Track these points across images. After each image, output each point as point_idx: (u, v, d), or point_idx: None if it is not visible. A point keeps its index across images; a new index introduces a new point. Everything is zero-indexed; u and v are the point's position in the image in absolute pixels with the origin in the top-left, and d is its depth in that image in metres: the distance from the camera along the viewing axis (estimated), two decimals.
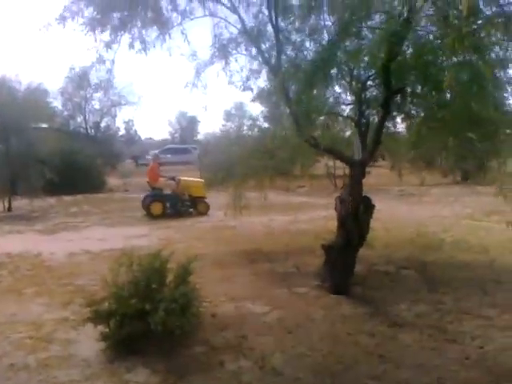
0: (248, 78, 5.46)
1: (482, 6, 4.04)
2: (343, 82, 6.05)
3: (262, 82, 5.43)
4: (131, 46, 5.30)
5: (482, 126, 6.39)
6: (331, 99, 6.53)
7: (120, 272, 4.61)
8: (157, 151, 14.31)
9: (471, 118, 6.29)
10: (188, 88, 5.54)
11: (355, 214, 5.54)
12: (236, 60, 5.51)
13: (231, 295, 5.97)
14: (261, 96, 5.50)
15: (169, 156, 31.55)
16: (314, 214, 12.57)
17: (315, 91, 5.38)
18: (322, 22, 5.00)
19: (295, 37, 5.11)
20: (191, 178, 14.64)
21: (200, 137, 48.34)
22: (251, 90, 5.51)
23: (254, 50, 5.31)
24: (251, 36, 5.25)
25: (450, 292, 5.96)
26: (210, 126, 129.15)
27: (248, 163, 7.85)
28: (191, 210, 13.41)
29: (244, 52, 5.36)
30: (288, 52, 5.33)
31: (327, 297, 5.83)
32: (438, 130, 6.10)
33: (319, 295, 5.90)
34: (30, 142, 14.82)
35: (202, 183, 13.98)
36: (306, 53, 5.12)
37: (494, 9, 4.13)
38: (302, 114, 5.16)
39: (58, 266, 7.69)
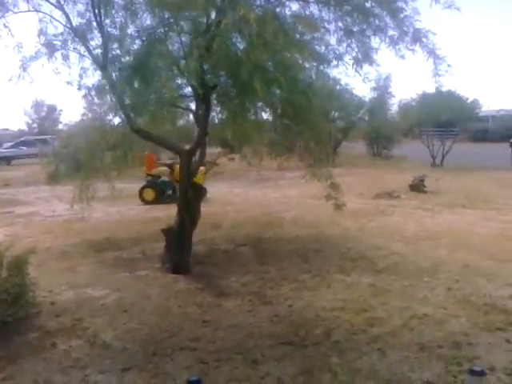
0: (81, 76, 5.61)
1: None
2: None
3: (95, 77, 5.57)
4: None
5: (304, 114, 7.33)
6: (171, 92, 6.94)
7: None
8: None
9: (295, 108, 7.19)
10: (13, 80, 5.52)
11: (185, 199, 6.02)
12: (68, 57, 5.61)
13: (73, 284, 6.13)
14: (95, 90, 5.65)
15: (24, 148, 29.49)
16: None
17: (144, 84, 5.67)
18: (145, 20, 5.34)
19: (120, 34, 5.36)
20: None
21: (62, 127, 45.51)
22: (86, 88, 5.66)
23: (81, 48, 5.46)
24: (77, 33, 5.41)
25: (276, 263, 6.77)
26: (75, 115, 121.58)
27: (93, 154, 7.92)
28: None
29: (71, 49, 5.48)
30: (115, 48, 5.56)
31: (166, 277, 6.28)
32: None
33: (159, 276, 6.33)
34: None
35: (201, 171, 13.61)
36: (130, 49, 5.40)
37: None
38: (130, 107, 5.47)
39: None
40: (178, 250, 6.34)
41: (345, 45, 5.32)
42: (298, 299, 5.41)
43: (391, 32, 5.10)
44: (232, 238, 8.30)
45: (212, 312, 5.10)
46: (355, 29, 5.11)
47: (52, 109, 50.00)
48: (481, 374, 2.92)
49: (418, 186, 13.23)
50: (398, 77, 70.31)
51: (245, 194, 14.54)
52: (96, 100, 5.53)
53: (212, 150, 20.67)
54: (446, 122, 28.99)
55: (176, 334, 4.59)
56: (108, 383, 3.78)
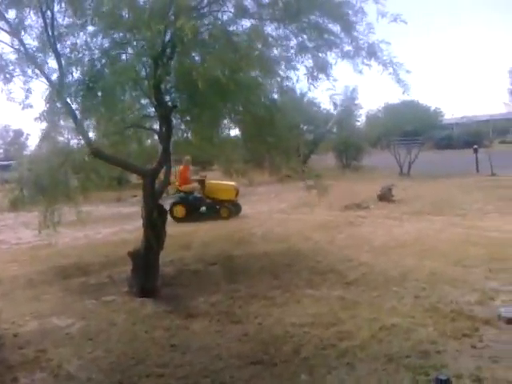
0: (27, 97, 5.50)
1: None
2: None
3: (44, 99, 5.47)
4: None
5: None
6: (135, 112, 6.89)
7: None
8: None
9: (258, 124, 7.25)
10: None
11: (151, 220, 5.95)
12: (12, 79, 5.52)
13: (37, 313, 5.92)
14: (48, 113, 5.54)
15: None
16: (140, 223, 12.74)
17: (104, 106, 5.62)
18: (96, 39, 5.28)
19: (74, 56, 5.31)
20: (221, 182, 14.13)
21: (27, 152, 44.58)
22: (31, 107, 5.54)
23: (30, 71, 5.37)
24: (31, 57, 5.33)
25: (246, 280, 6.72)
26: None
27: (56, 179, 7.76)
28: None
29: (18, 72, 5.39)
30: (71, 70, 5.49)
31: (134, 301, 6.14)
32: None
33: (126, 301, 6.18)
34: None
35: (232, 186, 13.34)
36: (82, 70, 5.34)
37: None
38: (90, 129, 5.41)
39: None
40: (145, 272, 6.23)
41: (301, 60, 5.37)
42: (268, 316, 5.36)
43: (347, 47, 5.20)
44: (202, 257, 8.22)
45: (180, 335, 5.00)
46: (310, 45, 5.19)
47: (19, 133, 49.17)
48: (446, 382, 2.93)
49: (386, 196, 13.43)
50: (366, 87, 71.97)
51: None
52: (50, 123, 5.36)
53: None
54: (412, 131, 29.69)
55: (143, 360, 4.47)
56: None
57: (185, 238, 9.74)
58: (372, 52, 5.08)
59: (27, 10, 4.97)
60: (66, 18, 4.95)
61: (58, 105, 5.25)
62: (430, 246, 8.08)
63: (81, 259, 8.81)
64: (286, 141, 6.96)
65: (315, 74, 5.18)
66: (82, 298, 6.47)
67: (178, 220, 12.72)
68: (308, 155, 27.97)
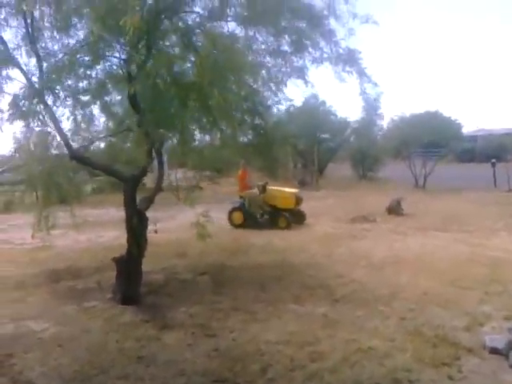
0: None
1: None
2: None
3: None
4: None
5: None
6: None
7: None
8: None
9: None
10: None
11: (131, 226, 5.85)
12: None
13: (16, 316, 5.89)
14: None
15: None
16: None
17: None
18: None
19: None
20: (282, 188, 13.31)
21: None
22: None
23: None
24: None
25: (232, 292, 6.56)
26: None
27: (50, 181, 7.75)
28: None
29: None
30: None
31: (114, 308, 6.04)
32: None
33: (106, 308, 6.09)
34: None
35: (293, 194, 12.64)
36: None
37: None
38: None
39: None
40: (128, 280, 6.13)
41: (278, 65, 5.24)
42: (244, 332, 5.19)
43: (326, 54, 5.05)
44: (195, 267, 8.08)
45: (150, 346, 4.87)
46: (289, 50, 5.05)
47: None
48: None
49: (394, 209, 13.11)
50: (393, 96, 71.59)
51: (219, 220, 14.32)
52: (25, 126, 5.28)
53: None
54: (433, 142, 29.08)
55: (106, 371, 4.36)
56: None
57: (181, 245, 9.63)
58: (352, 59, 4.91)
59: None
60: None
61: (38, 107, 5.17)
62: (428, 263, 7.79)
63: (76, 263, 8.79)
64: (279, 148, 6.79)
65: (287, 79, 5.05)
66: (65, 303, 6.41)
67: (235, 226, 12.34)
68: (325, 164, 27.72)
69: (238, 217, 12.51)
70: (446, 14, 75.01)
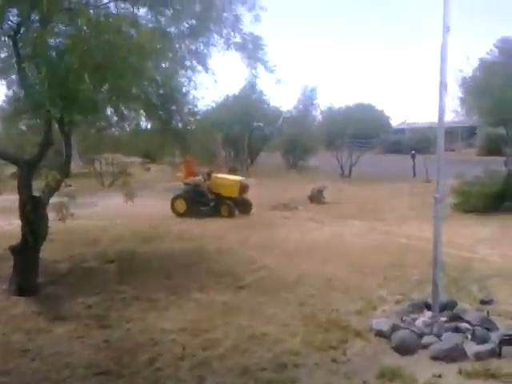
0: None
1: None
2: None
3: None
4: None
5: None
6: None
7: None
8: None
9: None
10: None
11: (24, 214, 5.56)
12: None
13: None
14: None
15: None
16: None
17: None
18: None
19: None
20: (227, 176, 12.87)
21: None
22: None
23: None
24: None
25: (136, 280, 6.41)
26: None
27: None
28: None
29: None
30: None
31: (8, 299, 5.74)
32: None
33: (1, 299, 5.78)
34: None
35: (237, 182, 12.10)
36: None
37: None
38: None
39: None
40: (24, 270, 5.84)
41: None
42: (141, 321, 5.08)
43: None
44: (104, 254, 7.84)
45: (38, 339, 4.66)
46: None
47: None
48: None
49: (316, 198, 13.40)
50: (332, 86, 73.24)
51: (146, 207, 14.03)
52: None
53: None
54: (364, 134, 29.94)
55: None
56: None
57: (97, 232, 9.33)
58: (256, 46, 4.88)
59: None
60: None
61: None
62: (338, 250, 8.01)
63: None
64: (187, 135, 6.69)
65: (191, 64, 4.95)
66: None
67: (178, 215, 11.93)
68: (257, 152, 27.87)
69: (181, 205, 12.13)
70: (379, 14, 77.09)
